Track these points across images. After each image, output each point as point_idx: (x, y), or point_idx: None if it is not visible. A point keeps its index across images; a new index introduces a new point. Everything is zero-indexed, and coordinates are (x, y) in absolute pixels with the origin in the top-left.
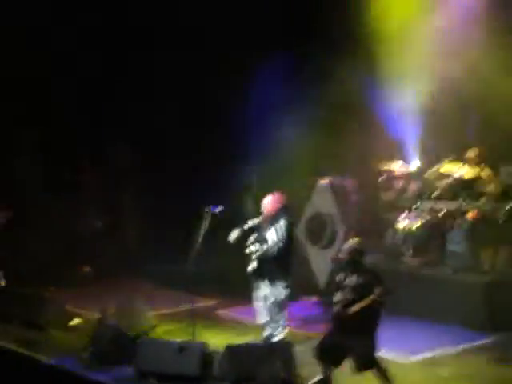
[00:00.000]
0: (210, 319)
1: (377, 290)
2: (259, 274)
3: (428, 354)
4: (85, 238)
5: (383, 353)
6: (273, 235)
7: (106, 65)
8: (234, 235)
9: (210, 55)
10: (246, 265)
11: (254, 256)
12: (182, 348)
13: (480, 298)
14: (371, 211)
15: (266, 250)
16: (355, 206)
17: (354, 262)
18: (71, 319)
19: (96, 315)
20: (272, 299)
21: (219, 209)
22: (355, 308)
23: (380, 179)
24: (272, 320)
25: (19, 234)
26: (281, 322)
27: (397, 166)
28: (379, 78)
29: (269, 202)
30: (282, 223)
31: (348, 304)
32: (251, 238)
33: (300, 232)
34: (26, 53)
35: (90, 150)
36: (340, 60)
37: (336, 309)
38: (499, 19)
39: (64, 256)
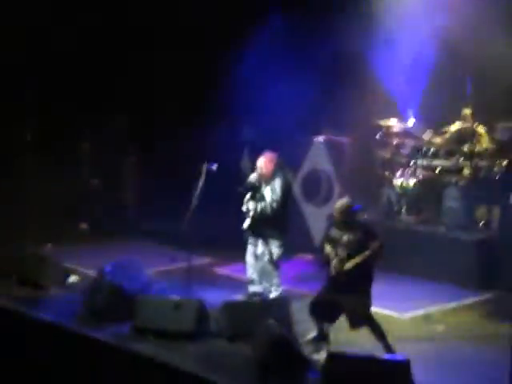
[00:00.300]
0: (205, 276)
1: (373, 245)
2: (254, 231)
3: (422, 311)
4: (84, 198)
5: (378, 309)
6: (269, 194)
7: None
8: (246, 223)
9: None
10: (242, 222)
11: (249, 214)
12: (177, 305)
13: (474, 256)
14: (367, 168)
15: (262, 209)
16: (351, 163)
17: (345, 220)
18: (69, 276)
19: (93, 273)
20: (267, 257)
21: (215, 166)
22: (350, 264)
23: (377, 136)
24: (265, 278)
25: (20, 195)
26: (274, 281)
27: (394, 123)
28: (377, 34)
29: (263, 163)
30: (277, 182)
31: (343, 260)
32: (247, 196)
33: (296, 189)
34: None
35: (91, 116)
36: (337, 17)
37: (331, 265)
38: None
39: (63, 215)
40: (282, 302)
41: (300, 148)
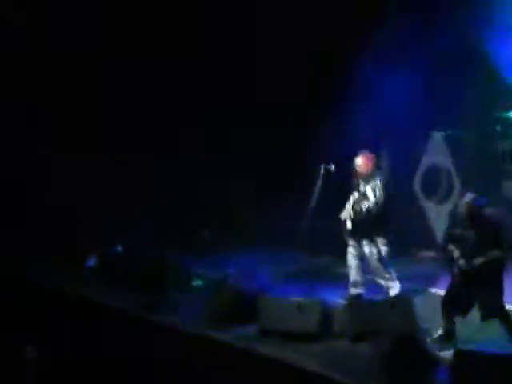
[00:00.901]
0: (326, 276)
1: (502, 245)
2: (357, 232)
3: None
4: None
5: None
6: (371, 193)
7: None
8: (349, 225)
9: None
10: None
11: (350, 215)
12: (301, 306)
13: None
14: (488, 161)
15: (368, 208)
16: (471, 157)
17: (471, 217)
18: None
19: (217, 276)
20: (375, 256)
21: (333, 167)
22: (479, 261)
23: (497, 127)
24: (380, 277)
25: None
26: (388, 276)
27: None
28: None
29: (363, 162)
30: (377, 182)
31: (470, 257)
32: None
33: (416, 185)
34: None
35: None
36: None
37: (459, 263)
38: None
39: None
40: (406, 301)
41: (418, 143)
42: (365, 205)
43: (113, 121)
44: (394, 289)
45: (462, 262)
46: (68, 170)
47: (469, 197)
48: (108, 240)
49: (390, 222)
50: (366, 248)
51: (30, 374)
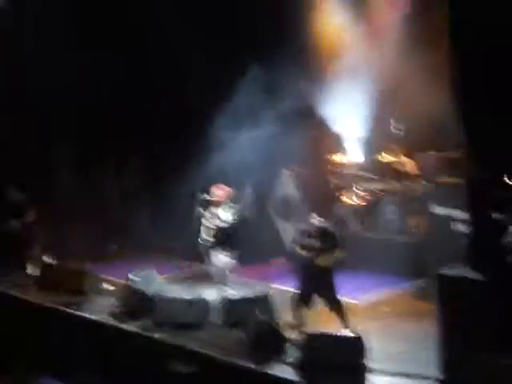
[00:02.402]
0: (204, 279)
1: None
2: (214, 245)
3: (372, 296)
4: (110, 224)
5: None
6: (225, 216)
7: None
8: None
9: None
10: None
11: (211, 231)
12: (187, 302)
13: (407, 253)
14: (325, 192)
15: (218, 227)
16: (311, 188)
17: (320, 232)
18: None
19: (123, 281)
20: (220, 265)
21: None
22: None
23: (329, 167)
24: (221, 282)
25: (61, 223)
26: (227, 283)
27: (342, 157)
28: (322, 82)
29: (219, 193)
30: (230, 207)
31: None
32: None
33: (271, 209)
34: None
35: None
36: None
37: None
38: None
39: (95, 237)
40: (265, 297)
41: (272, 178)
42: (217, 224)
43: None
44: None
45: (309, 263)
46: None
47: (318, 221)
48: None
49: (237, 238)
50: (215, 258)
51: None
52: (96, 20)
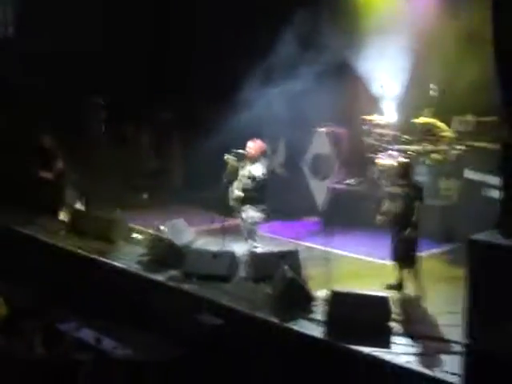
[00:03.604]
0: (236, 233)
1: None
2: (244, 200)
3: None
4: (143, 175)
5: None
6: (254, 172)
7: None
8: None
9: None
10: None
11: (241, 187)
12: (215, 255)
13: (439, 217)
14: (358, 152)
15: (250, 183)
16: (346, 147)
17: (403, 176)
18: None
19: (152, 231)
20: (249, 221)
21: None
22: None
23: (364, 127)
24: (250, 237)
25: (92, 172)
26: (256, 239)
27: (377, 117)
28: (360, 37)
29: (253, 147)
30: (262, 162)
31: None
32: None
33: (304, 167)
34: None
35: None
36: (322, 21)
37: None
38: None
39: (128, 187)
40: (293, 253)
41: (307, 136)
42: (249, 180)
43: None
44: (258, 249)
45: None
46: None
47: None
48: None
49: (267, 194)
50: (245, 213)
51: None
52: None
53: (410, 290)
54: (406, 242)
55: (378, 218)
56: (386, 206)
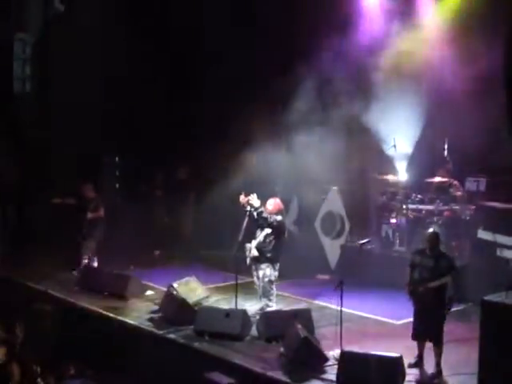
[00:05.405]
0: (249, 292)
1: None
2: (259, 259)
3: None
4: (156, 232)
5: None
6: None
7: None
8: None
9: None
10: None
11: (255, 246)
12: (228, 313)
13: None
14: (371, 210)
15: (267, 242)
16: (358, 206)
17: (432, 247)
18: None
19: (165, 288)
20: (266, 279)
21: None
22: (435, 284)
23: (376, 185)
24: (265, 296)
25: (108, 229)
26: (271, 298)
27: (391, 176)
28: (375, 103)
29: (272, 203)
30: (278, 220)
31: (424, 282)
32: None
33: (316, 226)
34: None
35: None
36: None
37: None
38: None
39: (141, 244)
40: (306, 312)
41: (319, 194)
42: (267, 238)
43: None
44: (271, 308)
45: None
46: None
47: (429, 232)
48: None
49: (281, 252)
50: (262, 271)
51: None
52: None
53: (429, 364)
54: (439, 319)
55: (409, 288)
56: (416, 276)
